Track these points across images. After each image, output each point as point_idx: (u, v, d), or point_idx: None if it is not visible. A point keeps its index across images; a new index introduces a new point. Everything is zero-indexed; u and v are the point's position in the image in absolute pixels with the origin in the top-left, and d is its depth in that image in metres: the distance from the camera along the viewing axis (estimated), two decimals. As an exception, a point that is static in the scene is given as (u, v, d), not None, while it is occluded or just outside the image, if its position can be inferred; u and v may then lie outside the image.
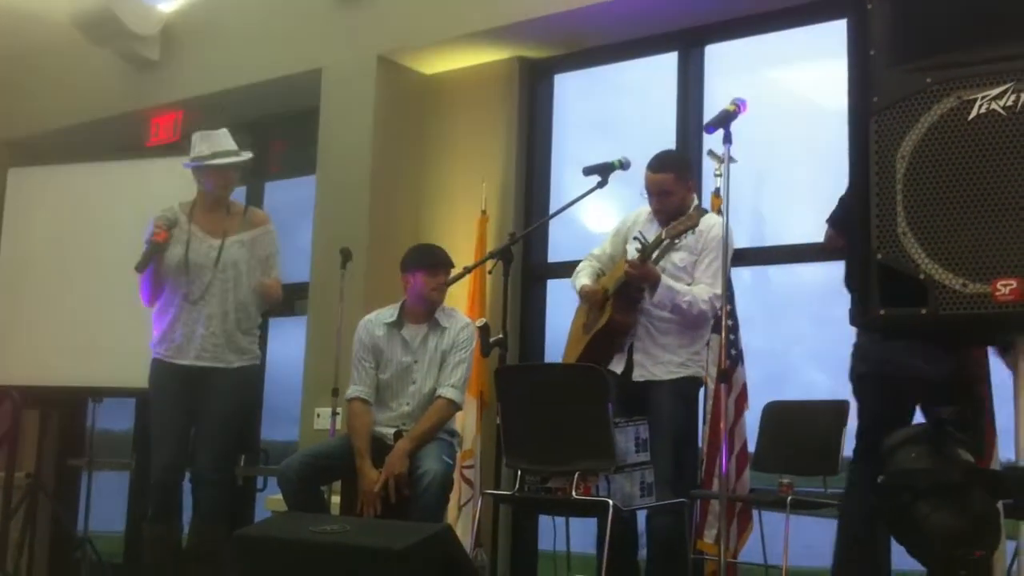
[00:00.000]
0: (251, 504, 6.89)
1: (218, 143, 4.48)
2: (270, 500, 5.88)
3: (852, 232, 3.79)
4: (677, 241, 4.09)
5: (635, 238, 4.15)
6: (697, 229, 4.11)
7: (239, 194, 7.02)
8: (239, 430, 4.55)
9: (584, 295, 4.38)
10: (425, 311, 4.53)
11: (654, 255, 4.12)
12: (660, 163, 4.25)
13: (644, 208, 4.43)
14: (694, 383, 4.31)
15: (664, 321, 4.20)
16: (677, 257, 4.19)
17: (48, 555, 7.50)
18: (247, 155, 4.59)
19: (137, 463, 6.88)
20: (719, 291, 4.12)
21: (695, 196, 4.36)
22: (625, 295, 4.20)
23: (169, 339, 4.32)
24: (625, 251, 4.39)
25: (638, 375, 4.21)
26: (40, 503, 6.76)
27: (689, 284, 4.18)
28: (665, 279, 4.09)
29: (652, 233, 4.23)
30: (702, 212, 4.14)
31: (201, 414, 4.26)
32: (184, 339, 4.29)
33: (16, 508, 6.65)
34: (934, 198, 2.02)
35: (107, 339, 6.24)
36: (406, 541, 3.20)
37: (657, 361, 4.21)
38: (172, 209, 4.39)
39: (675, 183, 4.24)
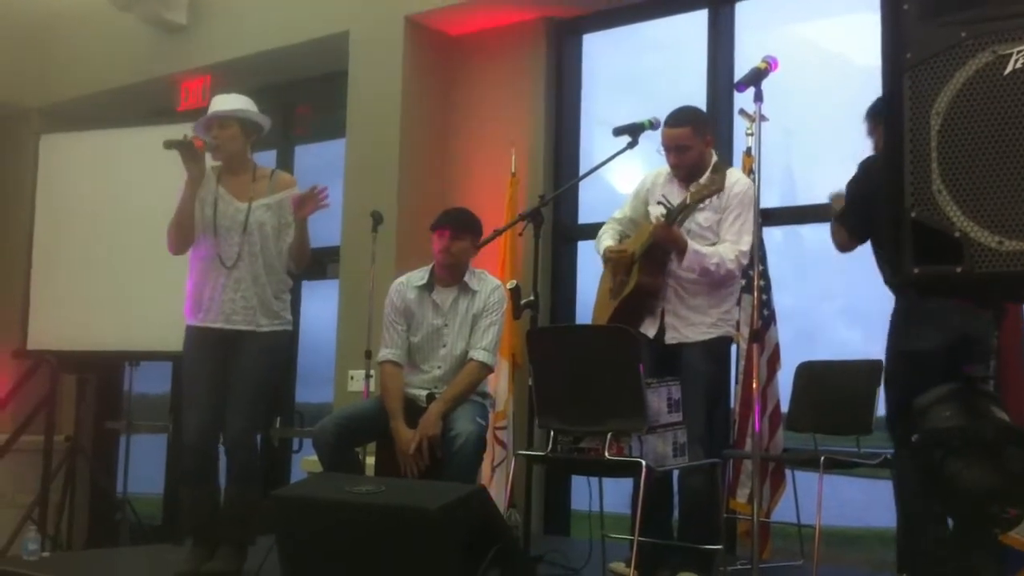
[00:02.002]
0: (287, 465, 6.97)
1: (220, 103, 4.40)
2: (306, 461, 5.94)
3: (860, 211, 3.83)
4: (703, 204, 4.07)
5: (659, 202, 4.12)
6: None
7: (270, 158, 7.09)
8: (270, 395, 4.56)
9: (609, 257, 4.36)
10: (453, 273, 4.53)
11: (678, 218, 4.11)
12: (677, 118, 4.22)
13: (663, 168, 4.39)
14: (725, 343, 4.30)
15: (693, 283, 4.17)
16: (702, 217, 4.16)
17: (88, 517, 7.63)
18: (244, 110, 4.39)
19: (174, 426, 6.97)
20: (745, 248, 4.12)
21: (713, 152, 4.33)
22: (652, 257, 4.19)
23: (197, 302, 4.34)
24: (647, 213, 4.36)
25: (670, 338, 4.21)
26: (79, 466, 6.87)
27: (714, 243, 4.16)
28: (692, 244, 4.07)
29: (673, 193, 4.21)
30: (724, 171, 4.13)
31: (232, 379, 4.28)
32: (212, 302, 4.30)
33: (56, 471, 6.76)
34: (969, 155, 1.99)
35: (142, 304, 6.31)
36: (441, 501, 3.23)
37: (688, 323, 4.19)
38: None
39: (692, 137, 4.20)
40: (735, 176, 4.21)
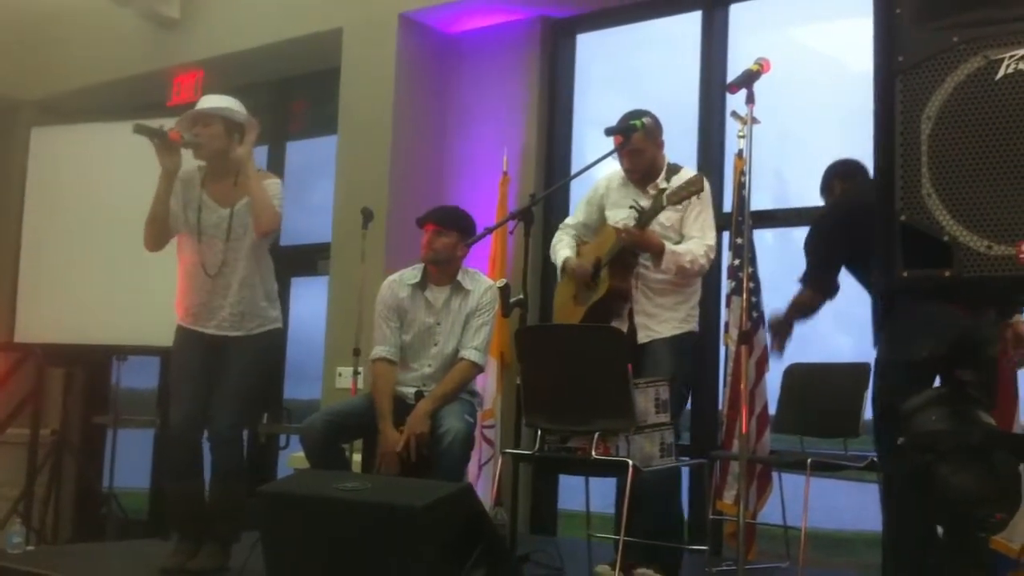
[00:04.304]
0: (274, 462, 6.96)
1: (206, 101, 4.32)
2: (293, 458, 5.93)
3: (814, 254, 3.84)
4: (679, 207, 4.12)
5: (631, 207, 4.15)
6: (673, 182, 4.18)
7: (261, 154, 7.07)
8: (258, 392, 4.52)
9: (572, 271, 4.39)
10: (445, 272, 4.52)
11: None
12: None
13: (614, 173, 4.45)
14: (692, 338, 4.35)
15: (659, 283, 4.24)
16: (663, 216, 4.21)
17: (73, 511, 7.60)
18: (228, 108, 4.27)
19: (161, 421, 6.95)
20: (711, 242, 4.23)
21: (665, 154, 4.38)
22: (622, 262, 4.23)
23: (186, 308, 4.31)
24: (602, 218, 4.44)
25: (643, 336, 4.25)
26: (65, 460, 6.85)
27: (677, 241, 4.22)
28: (668, 245, 4.13)
29: (630, 196, 4.27)
30: (677, 170, 4.25)
31: (221, 375, 4.26)
32: (201, 308, 4.26)
33: (42, 465, 6.74)
34: (960, 159, 2.00)
35: (131, 298, 6.29)
36: (427, 498, 3.23)
37: (660, 320, 4.26)
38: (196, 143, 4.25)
39: (645, 141, 4.26)
40: (688, 174, 4.25)
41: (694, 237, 4.21)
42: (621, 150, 4.27)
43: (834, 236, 3.97)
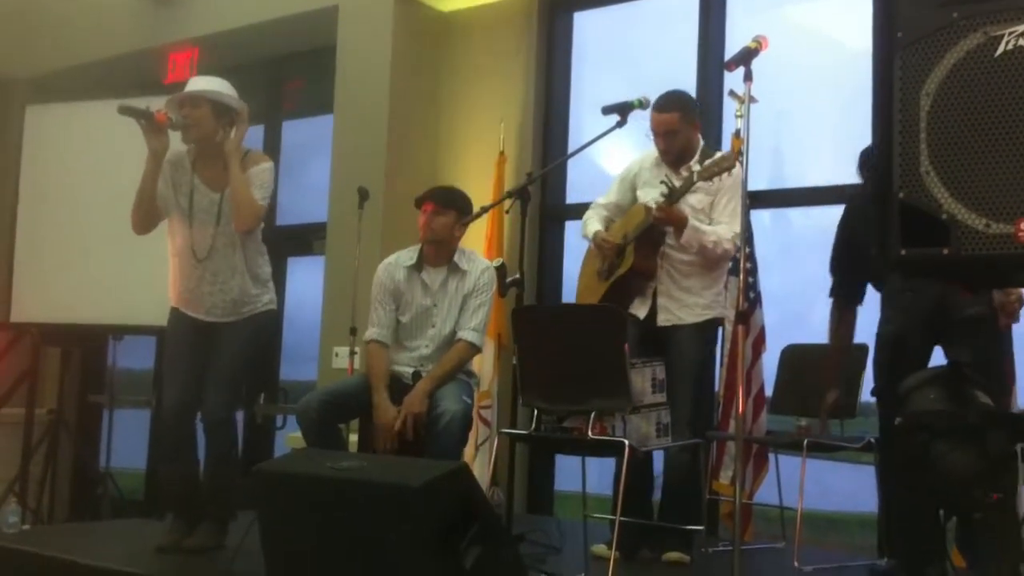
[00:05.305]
0: (270, 442, 6.96)
1: (196, 83, 4.25)
2: (289, 438, 5.93)
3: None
4: (711, 183, 4.09)
5: (662, 181, 4.13)
6: (706, 165, 4.13)
7: (257, 133, 7.05)
8: (251, 372, 4.51)
9: (599, 243, 4.36)
10: (441, 253, 4.50)
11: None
12: (666, 102, 4.23)
13: (649, 153, 4.41)
14: (716, 325, 4.35)
15: (686, 264, 4.20)
16: (694, 199, 4.17)
17: (70, 491, 7.61)
18: (216, 91, 4.20)
19: (157, 401, 6.94)
20: (739, 230, 4.14)
21: (700, 136, 4.34)
22: (648, 239, 4.20)
23: (177, 291, 4.29)
24: (633, 198, 4.40)
25: (663, 319, 4.22)
26: (62, 439, 6.84)
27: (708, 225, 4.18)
28: (692, 221, 4.10)
29: (660, 176, 4.23)
30: (711, 153, 4.19)
31: (212, 357, 4.24)
32: (191, 294, 4.24)
33: (38, 444, 6.73)
34: (958, 136, 1.98)
35: (127, 277, 6.27)
36: (424, 478, 3.22)
37: (683, 304, 4.22)
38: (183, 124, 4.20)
39: (680, 122, 4.23)
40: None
41: (722, 223, 4.19)
42: (649, 130, 4.23)
43: (841, 241, 4.12)
